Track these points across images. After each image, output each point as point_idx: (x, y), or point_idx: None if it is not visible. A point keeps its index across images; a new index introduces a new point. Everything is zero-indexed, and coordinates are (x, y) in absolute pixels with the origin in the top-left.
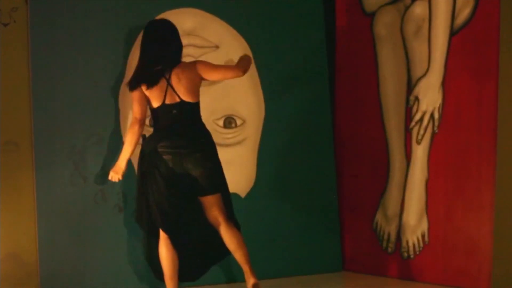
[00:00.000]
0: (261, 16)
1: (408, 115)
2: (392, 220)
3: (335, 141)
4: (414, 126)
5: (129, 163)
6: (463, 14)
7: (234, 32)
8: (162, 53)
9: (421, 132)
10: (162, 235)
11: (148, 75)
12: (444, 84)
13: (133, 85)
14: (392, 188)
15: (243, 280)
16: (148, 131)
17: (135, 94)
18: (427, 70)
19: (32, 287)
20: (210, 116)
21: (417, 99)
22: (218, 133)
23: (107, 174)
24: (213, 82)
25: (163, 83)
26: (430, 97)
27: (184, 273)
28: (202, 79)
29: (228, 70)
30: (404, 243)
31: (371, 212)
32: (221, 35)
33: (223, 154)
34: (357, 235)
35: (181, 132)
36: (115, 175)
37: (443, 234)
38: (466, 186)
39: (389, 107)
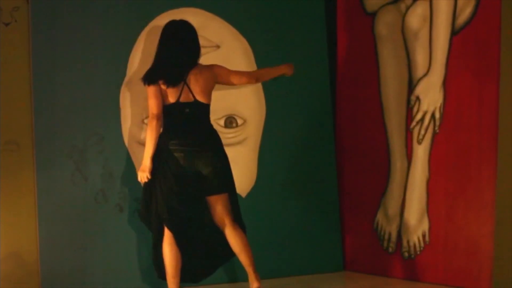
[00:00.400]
0: (262, 15)
1: (409, 115)
2: (393, 220)
3: (336, 141)
4: (415, 126)
5: (129, 162)
6: (464, 13)
7: (235, 31)
8: (182, 54)
9: (422, 132)
10: (167, 233)
11: (168, 73)
12: (445, 84)
13: (151, 80)
14: (393, 188)
15: (245, 280)
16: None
17: (152, 89)
18: (428, 70)
19: (33, 287)
20: (211, 115)
21: (418, 99)
22: (219, 133)
23: (108, 174)
24: None
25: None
26: (431, 97)
27: (187, 274)
28: (217, 82)
29: (242, 76)
30: (405, 243)
31: (372, 212)
32: (222, 35)
33: None
34: (358, 235)
35: (193, 130)
36: (143, 173)
37: (444, 234)
38: (467, 186)
39: (390, 107)
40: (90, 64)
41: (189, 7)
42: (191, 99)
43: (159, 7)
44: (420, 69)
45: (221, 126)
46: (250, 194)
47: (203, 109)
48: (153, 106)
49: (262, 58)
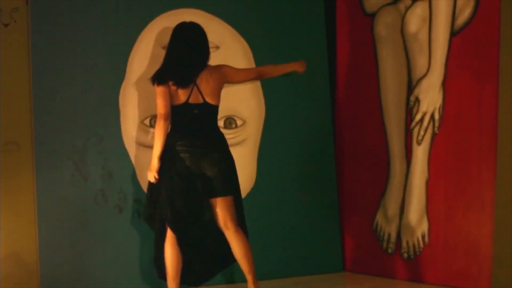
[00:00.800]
0: (261, 16)
1: (409, 116)
2: (392, 220)
3: (336, 142)
4: (414, 127)
5: (129, 163)
6: (464, 14)
7: (234, 32)
8: (193, 56)
9: (422, 132)
10: (169, 234)
11: (178, 74)
12: (445, 84)
13: (160, 80)
14: (393, 189)
15: (243, 281)
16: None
17: (160, 89)
18: (428, 70)
19: (32, 287)
20: None
21: (417, 99)
22: None
23: (107, 174)
24: None
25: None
26: (430, 97)
27: (188, 276)
28: (226, 82)
29: (248, 72)
30: (404, 244)
31: (371, 212)
32: (221, 35)
33: None
34: (358, 236)
35: (201, 131)
36: (151, 173)
37: (443, 235)
38: (467, 187)
39: (390, 108)
40: (89, 65)
41: (188, 8)
42: (200, 100)
43: (158, 8)
44: (419, 70)
45: (221, 127)
46: (249, 195)
47: (212, 110)
48: (161, 106)
49: (261, 59)
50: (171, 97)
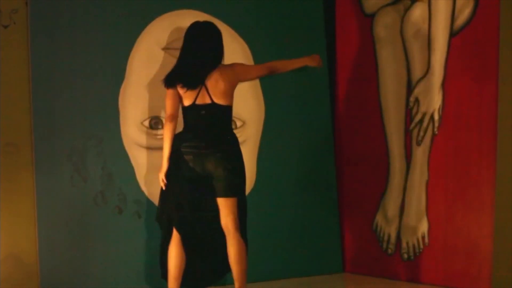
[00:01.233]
0: (260, 17)
1: (408, 117)
2: (392, 221)
3: (335, 143)
4: (414, 128)
5: (128, 164)
6: (463, 15)
7: (233, 33)
8: (205, 56)
9: (421, 133)
10: (175, 234)
11: (187, 76)
12: (444, 85)
13: (169, 83)
14: (392, 189)
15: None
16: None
17: (170, 91)
18: (427, 71)
19: None
20: None
21: (417, 100)
22: None
23: (107, 175)
24: None
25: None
26: (430, 98)
27: (189, 279)
28: (240, 81)
29: (260, 68)
30: (404, 245)
31: (371, 213)
32: None
33: None
34: (357, 237)
35: (206, 133)
36: (160, 175)
37: (443, 236)
38: (466, 188)
39: (389, 108)
40: (89, 66)
41: (187, 9)
42: (208, 101)
43: (158, 9)
44: (419, 71)
45: None
46: (249, 196)
47: (222, 111)
48: (168, 106)
49: (261, 60)
50: (180, 98)
